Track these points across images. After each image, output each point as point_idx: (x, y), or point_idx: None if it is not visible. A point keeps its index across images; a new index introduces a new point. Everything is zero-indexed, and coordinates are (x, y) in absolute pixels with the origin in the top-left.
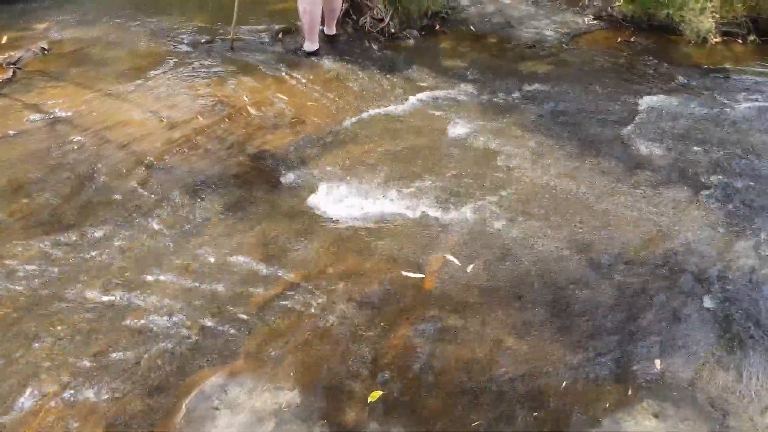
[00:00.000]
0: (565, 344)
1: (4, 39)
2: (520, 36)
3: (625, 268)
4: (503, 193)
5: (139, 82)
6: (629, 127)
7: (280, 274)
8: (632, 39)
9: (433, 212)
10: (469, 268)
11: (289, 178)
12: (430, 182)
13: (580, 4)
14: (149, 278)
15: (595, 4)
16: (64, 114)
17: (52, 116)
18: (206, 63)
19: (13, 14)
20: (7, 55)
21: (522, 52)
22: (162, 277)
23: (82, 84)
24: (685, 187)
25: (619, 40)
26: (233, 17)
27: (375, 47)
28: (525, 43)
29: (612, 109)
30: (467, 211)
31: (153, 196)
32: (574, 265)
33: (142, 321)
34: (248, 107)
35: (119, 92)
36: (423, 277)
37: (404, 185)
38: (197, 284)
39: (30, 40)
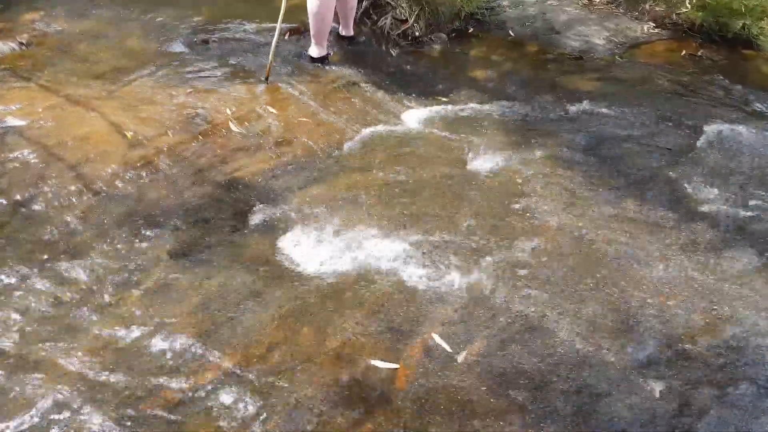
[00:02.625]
0: None
1: None
2: (564, 44)
3: (673, 366)
4: (521, 249)
5: (114, 86)
6: (686, 164)
7: (210, 358)
8: (699, 53)
9: (428, 272)
10: (461, 356)
11: (259, 216)
12: (431, 230)
13: (640, 8)
14: (42, 354)
15: (657, 9)
16: (17, 123)
17: (3, 125)
18: (196, 66)
19: (1, 2)
20: None
21: (566, 64)
22: (59, 356)
23: (50, 87)
24: (755, 252)
25: (683, 53)
26: (272, 44)
27: (394, 53)
28: (570, 53)
29: (667, 139)
30: (471, 273)
31: (88, 233)
32: (605, 357)
33: (10, 422)
34: (229, 122)
35: (88, 98)
36: (397, 369)
37: (398, 233)
38: (101, 369)
39: (13, 32)
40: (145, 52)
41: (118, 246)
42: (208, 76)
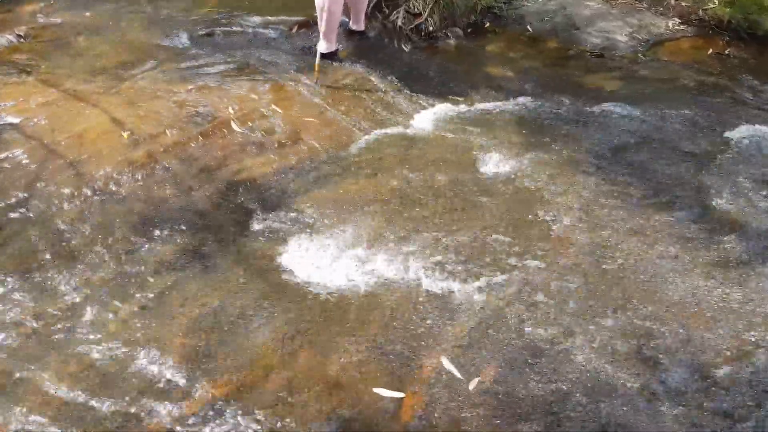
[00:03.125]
0: None
1: None
2: (585, 41)
3: (700, 396)
4: (537, 264)
5: (113, 82)
6: (715, 171)
7: (202, 384)
8: (727, 51)
9: (438, 289)
10: (472, 384)
11: (261, 222)
12: (442, 240)
13: (664, 3)
14: (19, 376)
15: (682, 4)
16: (14, 119)
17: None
18: (198, 61)
19: None
20: None
21: (587, 61)
22: (38, 378)
23: (48, 81)
24: None
25: (710, 51)
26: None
27: (406, 48)
28: (591, 50)
29: (695, 144)
30: (484, 289)
31: (80, 239)
32: (627, 386)
33: None
34: (232, 121)
35: (87, 94)
36: (403, 398)
37: (408, 242)
38: (83, 394)
39: (11, 24)
40: (147, 46)
41: (110, 255)
42: (211, 72)
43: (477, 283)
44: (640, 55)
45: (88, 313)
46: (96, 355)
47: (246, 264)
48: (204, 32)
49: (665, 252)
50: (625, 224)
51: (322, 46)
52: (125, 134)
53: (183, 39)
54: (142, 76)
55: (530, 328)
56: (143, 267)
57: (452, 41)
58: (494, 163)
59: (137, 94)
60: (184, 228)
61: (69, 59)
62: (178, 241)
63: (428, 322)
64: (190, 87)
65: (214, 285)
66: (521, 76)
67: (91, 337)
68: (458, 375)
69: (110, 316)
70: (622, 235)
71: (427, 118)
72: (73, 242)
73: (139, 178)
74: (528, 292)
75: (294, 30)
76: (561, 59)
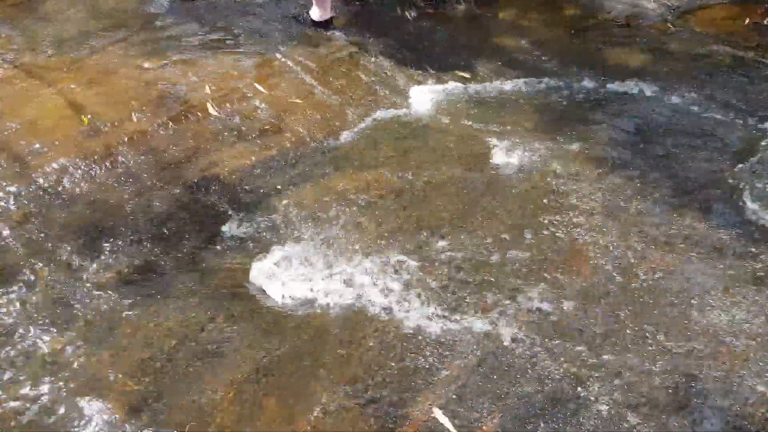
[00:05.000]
0: None
1: None
2: (609, 7)
3: None
4: (551, 283)
5: (77, 54)
6: (752, 167)
7: None
8: (766, 21)
9: (433, 314)
10: None
11: (233, 227)
12: (442, 254)
13: None
14: None
15: None
16: None
17: None
18: (175, 30)
19: None
20: None
21: (610, 32)
22: None
23: (3, 53)
24: None
25: (746, 21)
26: None
27: (409, 16)
28: (615, 18)
29: (731, 132)
30: (487, 316)
31: (21, 251)
32: None
33: None
34: (208, 104)
35: (45, 70)
36: None
37: (402, 255)
38: None
39: None
40: (121, 12)
41: (56, 268)
42: (189, 44)
43: (480, 307)
44: (669, 24)
45: (12, 347)
46: (15, 404)
47: (211, 283)
48: None
49: (696, 265)
50: (652, 233)
51: (315, 14)
52: (85, 119)
53: (162, 4)
54: (110, 49)
55: (540, 364)
56: (84, 289)
57: (461, 7)
58: (505, 156)
59: (103, 71)
60: (139, 238)
61: (31, 28)
62: (131, 255)
63: (420, 358)
64: (163, 62)
65: (169, 312)
66: (536, 49)
67: (13, 376)
68: (452, 430)
69: (40, 350)
70: (646, 245)
71: (430, 98)
72: (15, 253)
73: (94, 174)
74: (540, 322)
75: None
76: (581, 29)
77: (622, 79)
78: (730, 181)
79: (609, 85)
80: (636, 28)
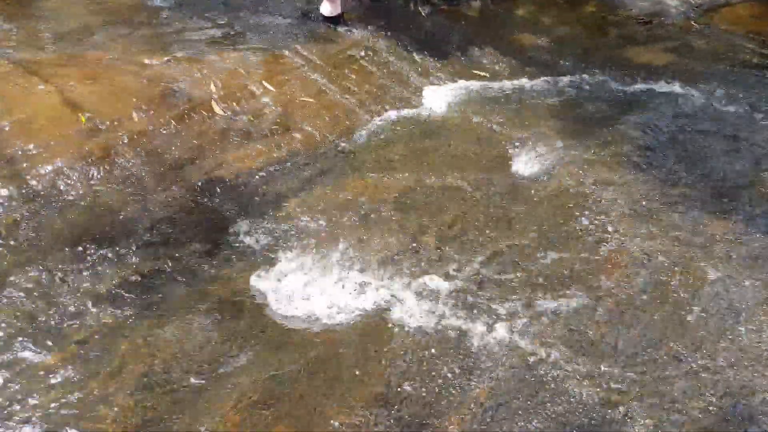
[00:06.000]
0: None
1: None
2: (630, 5)
3: None
4: (580, 295)
5: (77, 50)
6: None
7: None
8: None
9: (454, 330)
10: None
11: (239, 234)
12: (463, 265)
13: None
14: None
15: None
16: None
17: None
18: (180, 25)
19: None
20: None
21: (631, 30)
22: None
23: (1, 49)
24: None
25: None
26: None
27: (424, 12)
28: (637, 15)
29: (758, 134)
30: (512, 331)
31: (11, 258)
32: None
33: None
34: (213, 103)
35: (44, 65)
36: None
37: (420, 266)
38: None
39: None
40: (122, 6)
41: (47, 279)
42: (194, 39)
43: (504, 322)
44: (693, 22)
45: (8, 366)
46: (6, 422)
47: (214, 296)
48: None
49: (734, 275)
50: (683, 236)
51: (326, 9)
52: (83, 117)
53: None
54: (111, 44)
55: (569, 386)
56: (78, 302)
57: (477, 3)
58: (527, 159)
59: (103, 66)
60: (138, 246)
61: (32, 22)
62: (137, 259)
63: (439, 378)
64: (166, 58)
65: (169, 327)
66: (555, 47)
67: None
68: None
69: (30, 368)
70: (680, 252)
71: (446, 97)
72: (3, 262)
73: (97, 174)
74: (567, 333)
75: None
76: (602, 26)
77: (644, 79)
78: (760, 185)
79: (631, 86)
80: (658, 25)
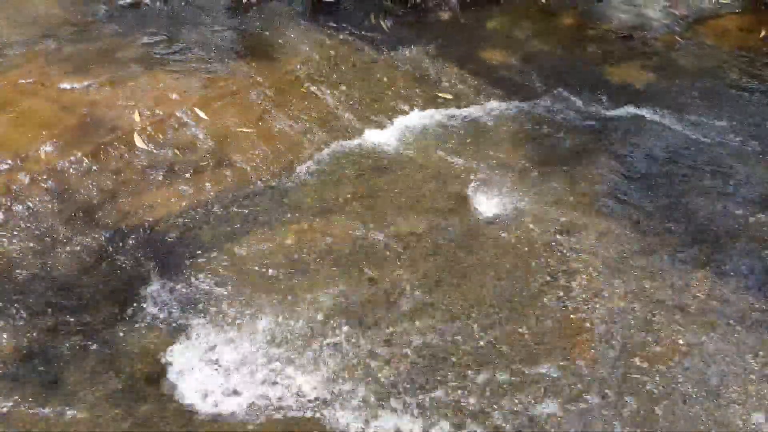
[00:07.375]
0: None
1: None
2: (610, 16)
3: None
4: (549, 379)
5: None
6: None
7: None
8: None
9: (401, 421)
10: None
11: (152, 297)
12: (410, 338)
13: None
14: None
15: None
16: None
17: None
18: (112, 42)
19: None
20: None
21: (611, 44)
22: None
23: None
24: None
25: (762, 34)
26: None
27: (386, 25)
28: (617, 29)
29: (749, 167)
30: (464, 422)
31: None
32: None
33: None
34: (136, 134)
35: None
36: None
37: (359, 342)
38: None
39: None
40: (52, 18)
41: None
42: (123, 59)
43: (451, 418)
44: (677, 37)
45: None
46: None
47: (113, 378)
48: (129, 1)
49: (729, 338)
50: (663, 298)
51: None
52: None
53: (100, 10)
54: (32, 63)
55: None
56: None
57: (445, 14)
58: (488, 200)
59: (18, 89)
60: (31, 312)
61: None
62: (28, 328)
63: None
64: (89, 81)
65: (53, 420)
66: (528, 65)
67: None
68: None
69: None
70: (665, 314)
71: (403, 125)
72: None
73: None
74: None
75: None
76: (579, 41)
77: (623, 103)
78: (750, 230)
79: (609, 110)
80: (640, 40)
